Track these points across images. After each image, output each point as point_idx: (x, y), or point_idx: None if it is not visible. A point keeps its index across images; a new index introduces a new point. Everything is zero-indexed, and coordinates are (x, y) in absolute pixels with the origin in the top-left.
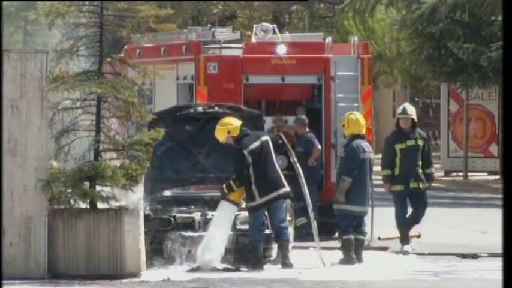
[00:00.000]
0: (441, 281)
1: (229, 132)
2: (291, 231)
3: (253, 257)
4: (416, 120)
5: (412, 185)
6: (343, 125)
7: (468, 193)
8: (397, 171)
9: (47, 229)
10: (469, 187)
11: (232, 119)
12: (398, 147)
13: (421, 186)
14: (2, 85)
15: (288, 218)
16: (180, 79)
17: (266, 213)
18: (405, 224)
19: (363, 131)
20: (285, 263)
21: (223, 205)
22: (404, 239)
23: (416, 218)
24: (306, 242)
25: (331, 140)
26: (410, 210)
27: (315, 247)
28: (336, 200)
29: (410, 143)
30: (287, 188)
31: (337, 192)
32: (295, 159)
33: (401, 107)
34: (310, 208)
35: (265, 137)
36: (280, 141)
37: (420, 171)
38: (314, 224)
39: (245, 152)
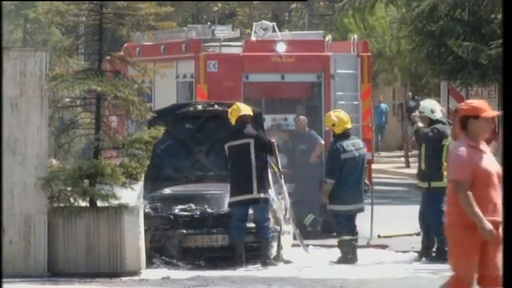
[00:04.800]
0: (441, 279)
1: (333, 125)
2: (290, 229)
3: (233, 254)
4: (432, 117)
5: (415, 181)
6: (333, 125)
7: None
8: None
9: (46, 227)
10: None
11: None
12: None
13: (418, 184)
14: (2, 83)
15: (288, 216)
16: (179, 77)
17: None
18: (422, 230)
19: (350, 126)
20: (265, 262)
21: None
22: (436, 252)
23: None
24: (307, 240)
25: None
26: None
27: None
28: (321, 201)
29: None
30: (255, 195)
31: (321, 194)
32: (279, 162)
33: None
34: (289, 205)
35: (249, 140)
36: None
37: (423, 168)
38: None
39: (225, 146)
